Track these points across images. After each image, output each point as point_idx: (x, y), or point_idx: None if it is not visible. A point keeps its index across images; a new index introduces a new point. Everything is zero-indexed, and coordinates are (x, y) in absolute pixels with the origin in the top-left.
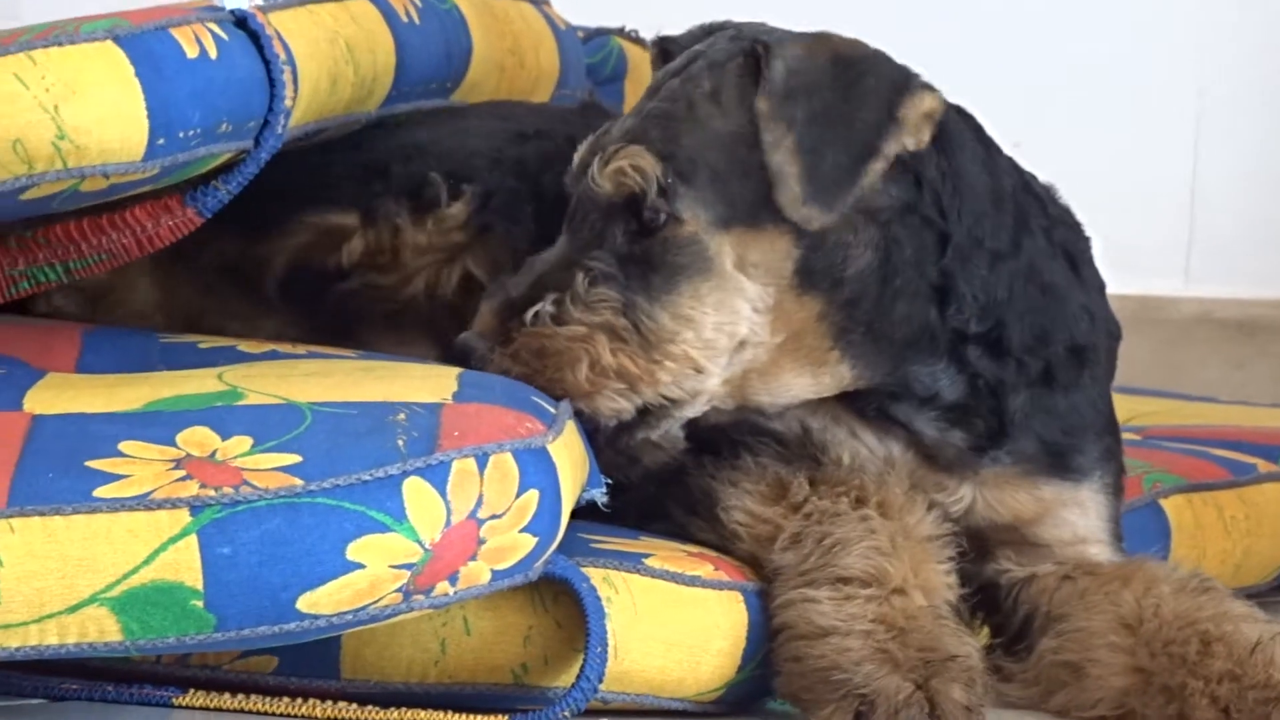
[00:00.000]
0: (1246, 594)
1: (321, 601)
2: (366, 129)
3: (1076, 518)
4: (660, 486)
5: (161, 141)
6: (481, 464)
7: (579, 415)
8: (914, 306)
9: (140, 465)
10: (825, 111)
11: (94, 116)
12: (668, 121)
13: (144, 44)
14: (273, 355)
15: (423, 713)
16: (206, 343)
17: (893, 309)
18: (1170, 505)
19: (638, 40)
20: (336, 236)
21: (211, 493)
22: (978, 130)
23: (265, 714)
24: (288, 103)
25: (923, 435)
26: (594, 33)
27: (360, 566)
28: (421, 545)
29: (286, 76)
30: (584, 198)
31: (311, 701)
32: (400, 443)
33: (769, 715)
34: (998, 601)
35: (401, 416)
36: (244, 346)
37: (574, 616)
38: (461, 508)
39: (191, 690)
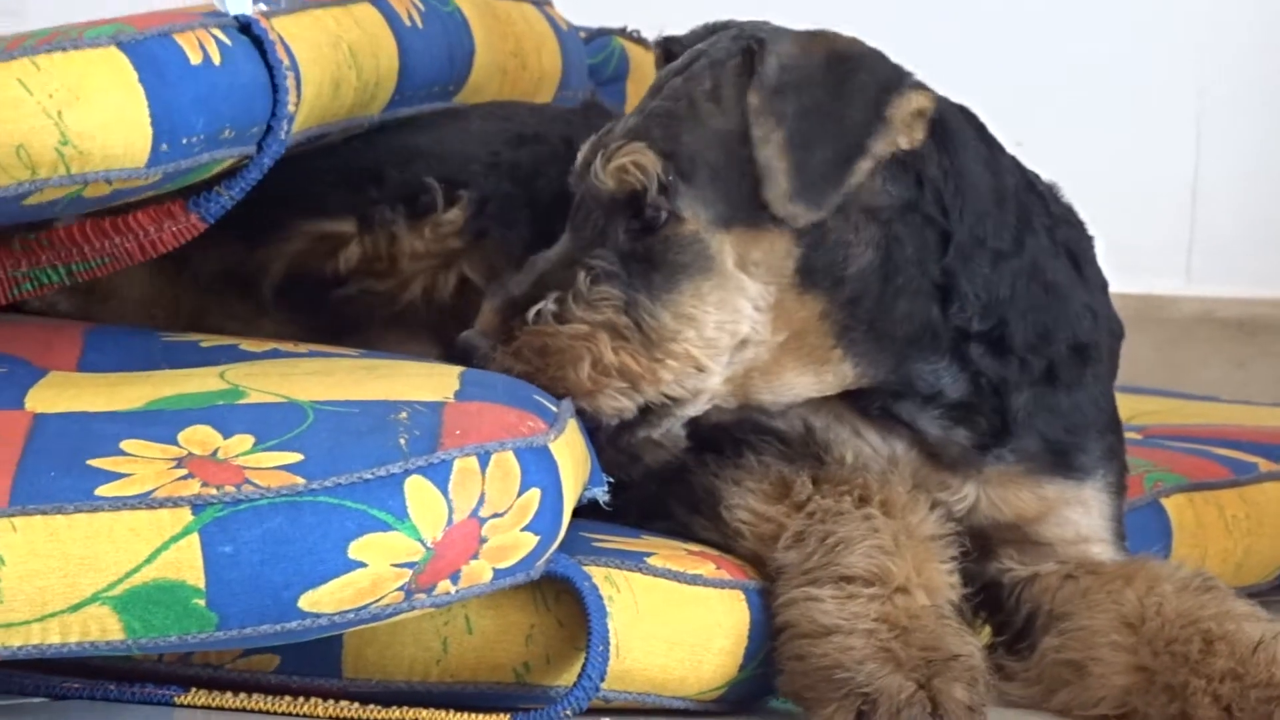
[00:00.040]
0: (1248, 593)
1: (323, 600)
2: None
3: (1079, 516)
4: (662, 485)
5: (165, 147)
6: (483, 463)
7: (581, 414)
8: (916, 304)
9: (142, 464)
10: (815, 108)
11: (97, 122)
12: (669, 120)
13: (148, 50)
14: (274, 354)
15: (425, 712)
16: (208, 341)
17: (895, 307)
18: (1172, 504)
19: (640, 40)
20: (333, 243)
21: (213, 491)
22: (981, 129)
23: (267, 713)
24: (291, 108)
25: (926, 434)
26: (596, 33)
27: (362, 565)
28: (423, 544)
29: (290, 82)
30: (587, 195)
31: (313, 700)
32: (402, 441)
33: (771, 714)
34: (1000, 600)
35: (403, 415)
36: (246, 345)
37: (576, 615)
38: (463, 506)
39: (193, 689)
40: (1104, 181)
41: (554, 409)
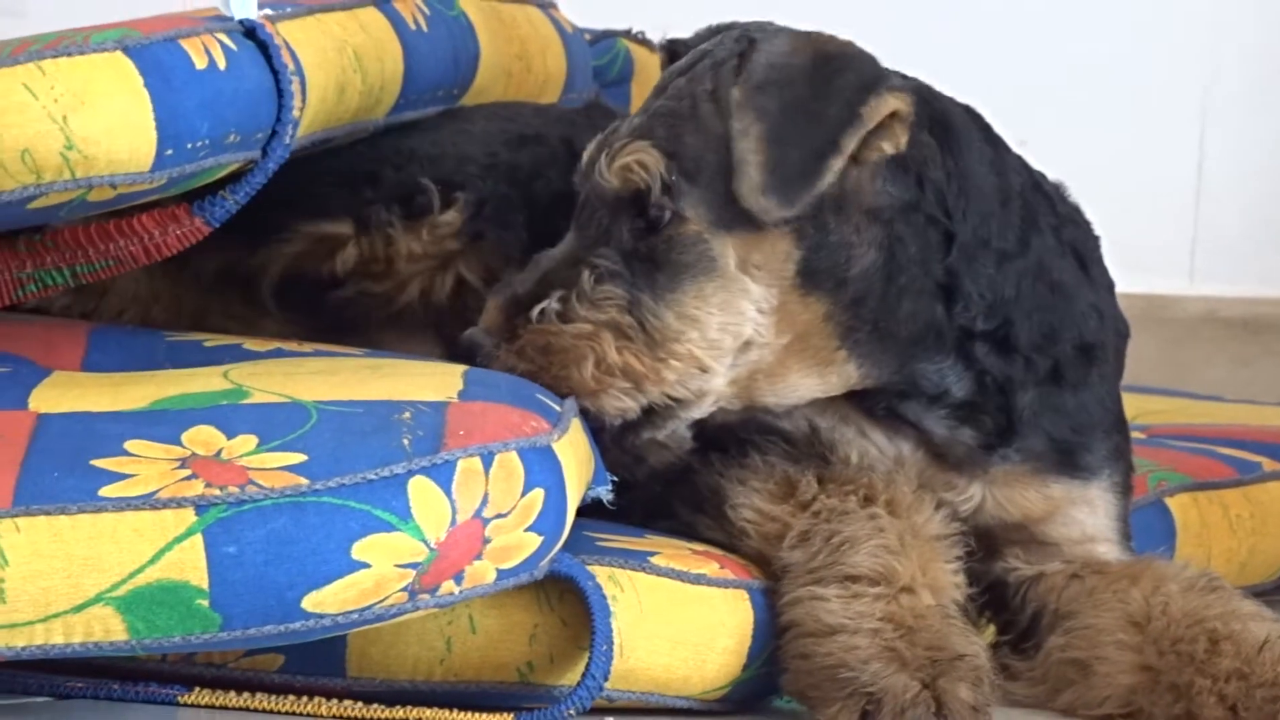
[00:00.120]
0: (1252, 592)
1: (327, 601)
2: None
3: (1085, 516)
4: (666, 485)
5: (170, 152)
6: (487, 463)
7: (584, 413)
8: (920, 304)
9: (146, 464)
10: (797, 105)
11: (102, 127)
12: (672, 120)
13: (153, 55)
14: (278, 353)
15: (428, 711)
16: (212, 341)
17: (898, 307)
18: (1176, 504)
19: (644, 42)
20: (330, 245)
21: (217, 492)
22: (986, 130)
23: (271, 712)
24: (296, 113)
25: (932, 434)
26: (601, 35)
27: (366, 566)
28: (427, 544)
29: (295, 87)
30: (592, 194)
31: (317, 700)
32: (406, 442)
33: (774, 713)
34: (1005, 600)
35: (407, 415)
36: (249, 345)
37: (579, 615)
38: (467, 507)
39: (197, 688)
40: (1108, 180)
41: (557, 409)
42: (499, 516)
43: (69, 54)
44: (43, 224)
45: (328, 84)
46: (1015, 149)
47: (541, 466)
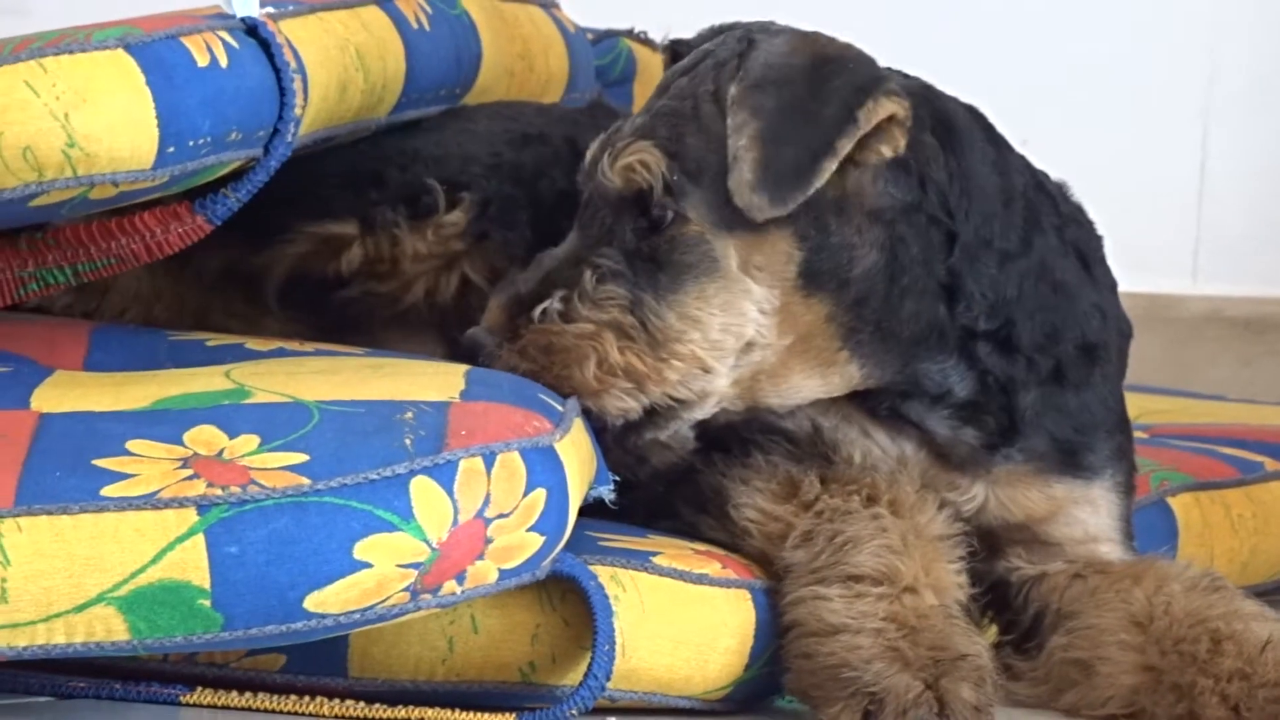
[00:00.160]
0: (1254, 592)
1: (329, 601)
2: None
3: (1088, 516)
4: (669, 485)
5: (171, 150)
6: (489, 463)
7: (586, 413)
8: (922, 305)
9: (147, 464)
10: (793, 105)
11: (104, 124)
12: (675, 120)
13: (155, 52)
14: (280, 353)
15: (430, 711)
16: (214, 340)
17: (901, 308)
18: (1178, 504)
19: (647, 42)
20: (335, 245)
21: (219, 492)
22: (988, 129)
23: (273, 712)
24: (298, 111)
25: (935, 434)
26: (603, 35)
27: (367, 566)
28: (429, 544)
29: (297, 85)
30: (595, 194)
31: (319, 700)
32: (408, 441)
33: (777, 713)
34: (1008, 599)
35: (409, 415)
36: (252, 344)
37: (581, 615)
38: (469, 507)
39: (199, 688)
40: (1110, 180)
41: (560, 408)
42: (501, 516)
43: (71, 51)
44: (44, 222)
45: (330, 82)
46: (1017, 148)
47: (543, 466)
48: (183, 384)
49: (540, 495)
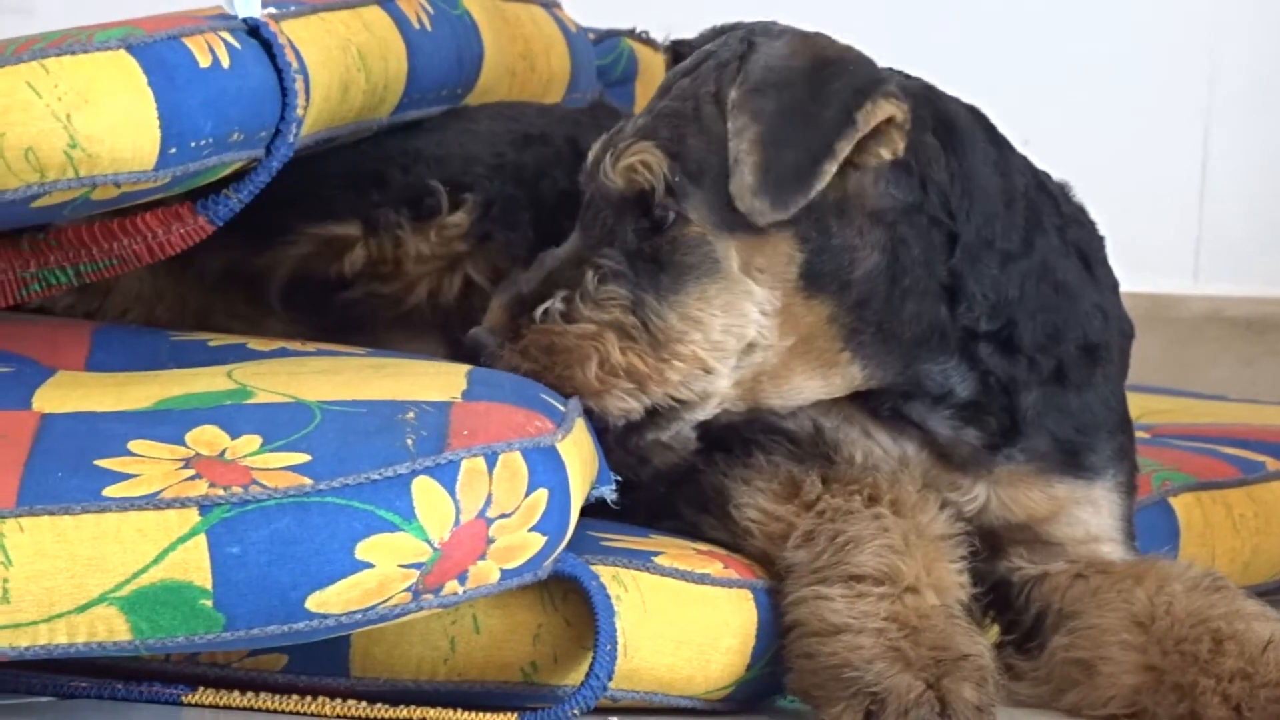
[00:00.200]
0: (1256, 592)
1: (330, 601)
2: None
3: (1090, 516)
4: (670, 485)
5: (173, 150)
6: (491, 463)
7: (588, 414)
8: (924, 306)
9: (149, 464)
10: (793, 108)
11: (106, 125)
12: (676, 121)
13: (157, 53)
14: (282, 353)
15: (432, 711)
16: (216, 340)
17: (902, 309)
18: (1179, 504)
19: (649, 41)
20: (338, 247)
21: (220, 492)
22: (990, 130)
23: (274, 712)
24: (300, 111)
25: (937, 434)
26: (605, 35)
27: (369, 566)
28: (430, 544)
29: (299, 85)
30: (597, 194)
31: (321, 700)
32: (409, 442)
33: (779, 713)
34: (1010, 599)
35: (411, 415)
36: (254, 344)
37: (583, 614)
38: (470, 507)
39: (201, 688)
40: (1111, 180)
41: (561, 408)
42: (503, 516)
43: (73, 52)
44: (46, 223)
45: (331, 83)
46: (1019, 149)
47: (545, 466)
48: (185, 384)
49: (542, 495)
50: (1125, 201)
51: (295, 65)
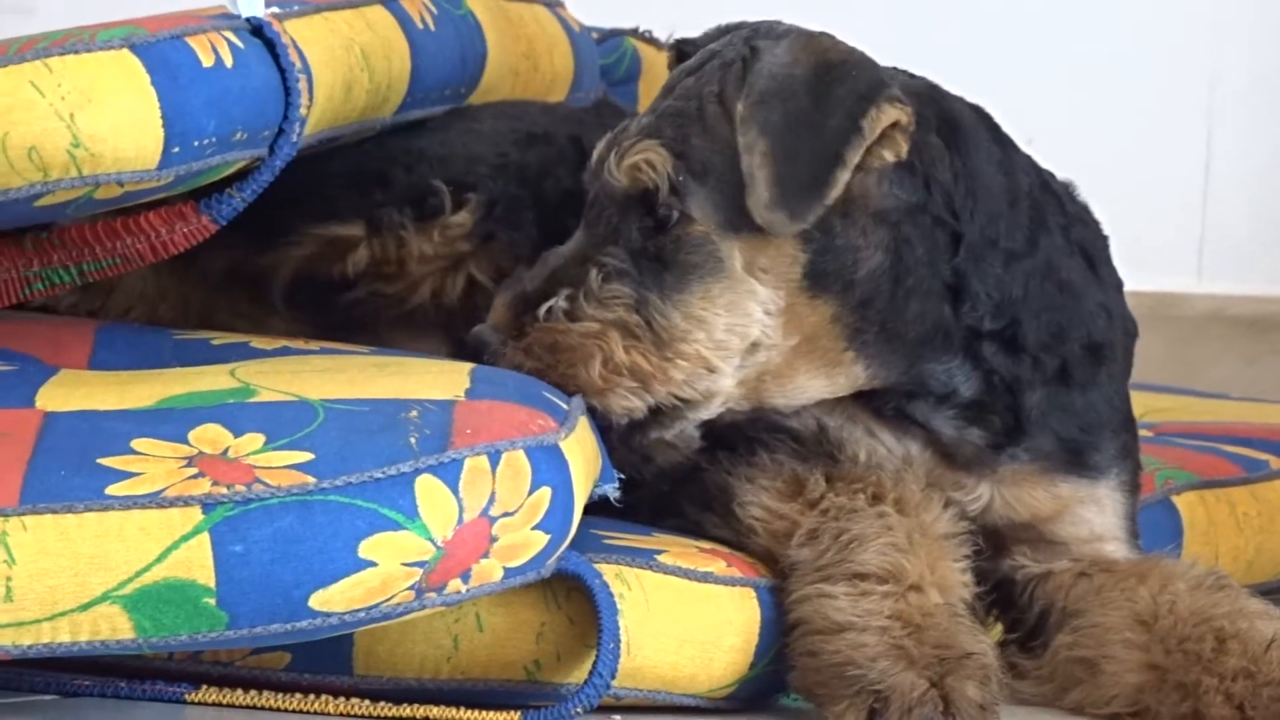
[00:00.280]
0: (1259, 590)
1: (334, 599)
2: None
3: (1093, 515)
4: (674, 484)
5: (176, 150)
6: (494, 461)
7: (591, 412)
8: (927, 305)
9: (152, 463)
10: (799, 118)
11: (109, 124)
12: (680, 120)
13: (160, 52)
14: (285, 351)
15: (435, 709)
16: (219, 339)
17: (906, 308)
18: (1183, 502)
19: (652, 41)
20: (341, 247)
21: (224, 490)
22: (994, 130)
23: (277, 710)
24: (303, 111)
25: (940, 434)
26: (608, 34)
27: (372, 564)
28: (434, 543)
29: (302, 85)
30: (601, 193)
31: (324, 698)
32: (413, 440)
33: (782, 711)
34: (1013, 598)
35: (414, 414)
36: (256, 343)
37: (586, 613)
38: (474, 505)
39: (204, 686)
40: (1115, 179)
41: (565, 407)
42: (506, 515)
43: (76, 52)
44: (49, 222)
45: (335, 82)
46: (1023, 148)
47: (548, 465)
48: (188, 383)
49: (545, 494)
50: (1129, 201)
51: (298, 65)
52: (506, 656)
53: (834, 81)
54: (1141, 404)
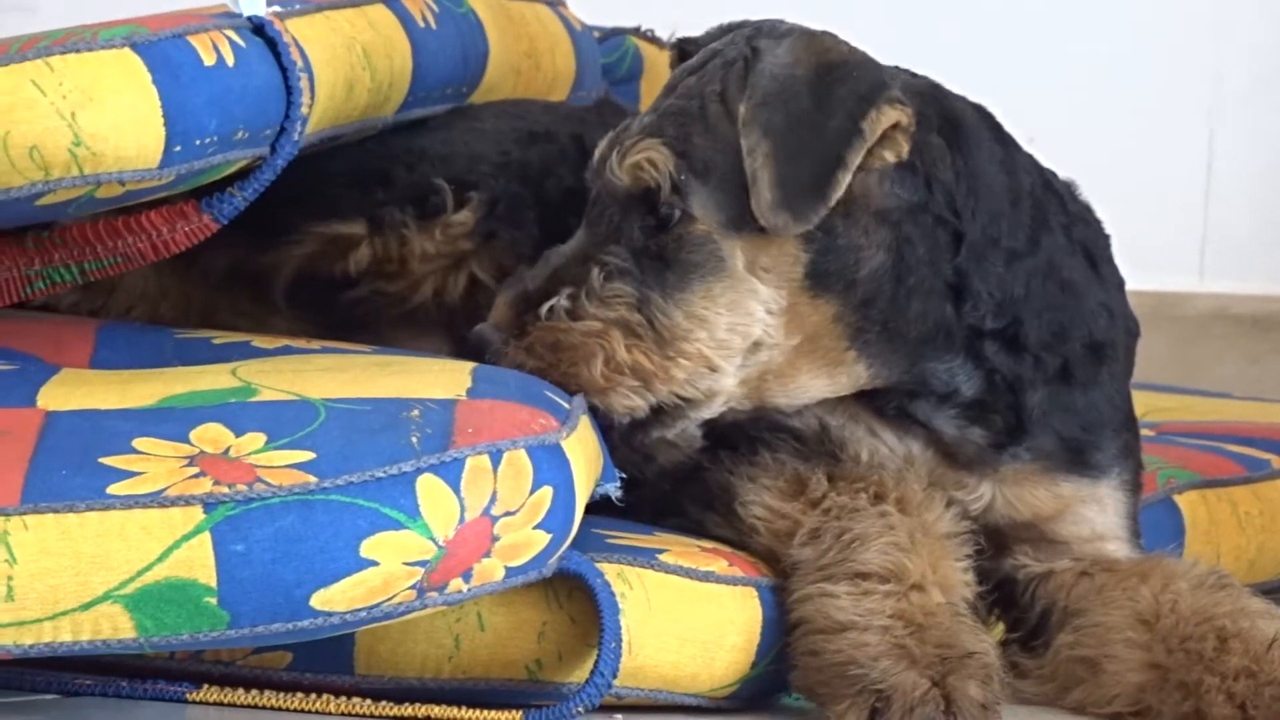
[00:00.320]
0: (1261, 590)
1: (335, 599)
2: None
3: (1095, 514)
4: (676, 483)
5: (178, 149)
6: (495, 461)
7: (593, 411)
8: (929, 304)
9: (154, 462)
10: (800, 119)
11: (111, 123)
12: (682, 119)
13: (161, 51)
14: (286, 350)
15: (437, 709)
16: (221, 338)
17: (908, 307)
18: (1185, 501)
19: (654, 40)
20: (343, 245)
21: (225, 490)
22: (996, 129)
23: (279, 709)
24: (304, 110)
25: (942, 433)
26: (610, 33)
27: (374, 564)
28: (435, 542)
29: (303, 83)
30: (603, 191)
31: (325, 697)
32: (414, 439)
33: (783, 711)
34: (1015, 597)
35: (415, 413)
36: (258, 342)
37: (588, 612)
38: (475, 504)
39: (205, 686)
40: (1117, 178)
41: (566, 406)
42: (507, 514)
43: (77, 50)
44: (50, 221)
45: (336, 81)
46: (1025, 147)
47: (550, 464)
48: (189, 382)
49: (547, 493)
50: (1130, 200)
51: (300, 63)
52: (508, 656)
53: (835, 82)
54: (1144, 403)
